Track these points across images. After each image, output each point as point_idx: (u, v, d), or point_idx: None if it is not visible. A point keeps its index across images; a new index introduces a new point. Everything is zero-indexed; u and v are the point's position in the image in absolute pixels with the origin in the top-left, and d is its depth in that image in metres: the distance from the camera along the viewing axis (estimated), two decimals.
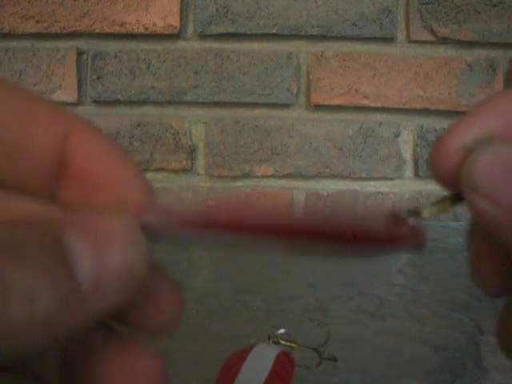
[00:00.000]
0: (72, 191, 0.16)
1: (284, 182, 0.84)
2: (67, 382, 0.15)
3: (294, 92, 0.82)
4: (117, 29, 0.81)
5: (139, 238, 0.14)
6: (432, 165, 0.17)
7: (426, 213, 0.17)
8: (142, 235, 0.14)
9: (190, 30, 0.82)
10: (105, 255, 0.13)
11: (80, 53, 0.82)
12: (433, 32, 0.81)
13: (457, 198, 0.17)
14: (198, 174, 0.83)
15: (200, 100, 0.82)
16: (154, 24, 0.81)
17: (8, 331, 0.11)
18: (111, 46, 0.82)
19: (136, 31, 0.81)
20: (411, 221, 0.17)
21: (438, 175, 0.17)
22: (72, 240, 0.12)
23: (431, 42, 0.82)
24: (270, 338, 0.34)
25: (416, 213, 0.17)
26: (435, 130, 0.83)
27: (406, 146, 0.84)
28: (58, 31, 0.80)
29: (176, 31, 0.81)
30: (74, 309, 0.12)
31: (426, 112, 0.83)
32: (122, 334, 0.16)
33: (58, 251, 0.12)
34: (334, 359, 0.34)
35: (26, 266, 0.11)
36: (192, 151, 0.83)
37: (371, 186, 0.84)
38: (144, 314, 0.16)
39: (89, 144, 0.16)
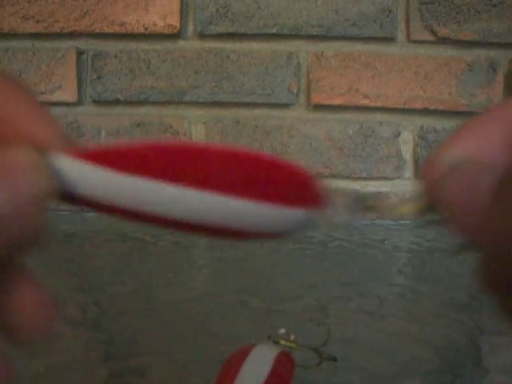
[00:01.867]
0: None
1: None
2: None
3: (294, 92, 0.82)
4: (117, 29, 0.81)
5: (42, 168, 0.15)
6: (422, 174, 0.18)
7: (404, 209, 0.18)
8: (44, 165, 0.15)
9: (190, 29, 0.82)
10: (5, 184, 0.14)
11: (80, 53, 0.82)
12: (433, 32, 0.81)
13: (432, 208, 0.18)
14: None
15: (200, 100, 0.82)
16: (154, 24, 0.81)
17: None
18: (111, 46, 0.82)
19: (136, 31, 0.81)
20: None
21: (423, 184, 0.18)
22: None
23: (431, 42, 0.82)
24: (269, 337, 0.34)
25: (370, 206, 0.18)
26: (435, 130, 0.83)
27: (406, 146, 0.84)
28: (58, 31, 0.80)
29: (176, 31, 0.81)
30: None
31: (426, 112, 0.83)
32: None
33: None
34: (334, 359, 0.34)
35: None
36: None
37: (371, 186, 0.84)
38: (6, 317, 0.16)
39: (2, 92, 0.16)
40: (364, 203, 0.19)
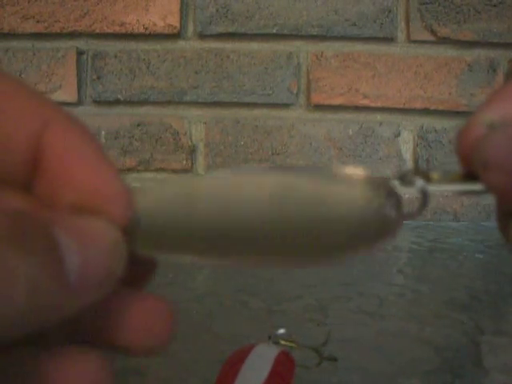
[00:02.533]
0: (46, 185, 0.16)
1: None
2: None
3: (294, 92, 0.82)
4: (117, 29, 0.81)
5: (118, 240, 0.15)
6: (457, 139, 0.18)
7: (436, 176, 0.18)
8: (120, 238, 0.15)
9: (190, 29, 0.82)
10: (89, 251, 0.14)
11: (80, 53, 0.82)
12: (433, 32, 0.81)
13: (469, 175, 0.18)
14: (198, 174, 0.83)
15: (200, 100, 0.82)
16: (154, 24, 0.81)
17: (12, 312, 0.11)
18: (111, 46, 0.82)
19: (136, 31, 0.81)
20: (418, 182, 0.18)
21: (458, 150, 0.18)
22: (61, 236, 0.13)
23: (431, 42, 0.82)
24: (270, 337, 0.34)
25: (425, 174, 0.18)
26: (435, 130, 0.83)
27: (406, 146, 0.84)
28: (58, 31, 0.80)
29: (176, 31, 0.81)
30: (63, 297, 0.13)
31: (425, 112, 0.83)
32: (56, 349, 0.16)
33: (51, 243, 0.13)
34: (334, 359, 0.34)
35: (26, 254, 0.12)
36: (192, 151, 0.83)
37: None
38: (127, 333, 0.16)
39: (66, 138, 0.15)
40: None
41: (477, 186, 0.17)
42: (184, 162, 0.83)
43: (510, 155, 0.16)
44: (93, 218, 0.15)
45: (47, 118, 0.15)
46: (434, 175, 0.18)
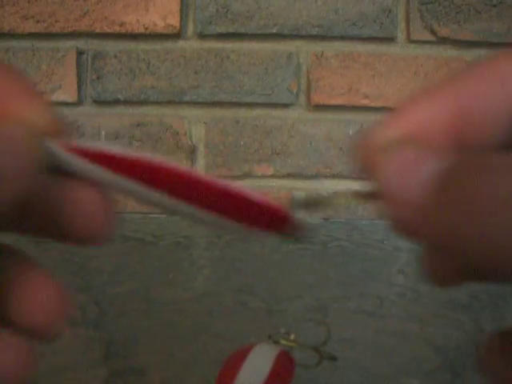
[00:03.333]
0: None
1: (284, 182, 0.84)
2: None
3: (294, 92, 0.82)
4: (117, 29, 0.81)
5: (32, 141, 0.15)
6: (356, 158, 0.16)
7: (335, 201, 0.17)
8: (35, 140, 0.15)
9: (190, 30, 0.82)
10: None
11: (80, 53, 0.82)
12: (433, 32, 0.81)
13: (371, 195, 0.16)
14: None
15: (200, 100, 0.82)
16: (154, 24, 0.81)
17: None
18: (111, 46, 0.82)
19: (136, 31, 0.81)
20: (297, 211, 0.18)
21: (360, 168, 0.16)
22: None
23: (431, 42, 0.82)
24: (270, 337, 0.34)
25: (314, 202, 0.18)
26: None
27: None
28: (58, 31, 0.80)
29: (176, 31, 0.81)
30: None
31: None
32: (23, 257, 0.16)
33: None
34: (334, 359, 0.34)
35: None
36: (192, 151, 0.83)
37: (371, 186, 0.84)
38: (64, 217, 0.16)
39: None
40: (307, 203, 0.18)
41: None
42: (184, 162, 0.83)
43: (408, 186, 0.13)
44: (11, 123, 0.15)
45: None
46: (334, 200, 0.18)
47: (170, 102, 0.83)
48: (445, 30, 0.81)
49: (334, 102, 0.82)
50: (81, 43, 0.82)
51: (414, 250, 0.69)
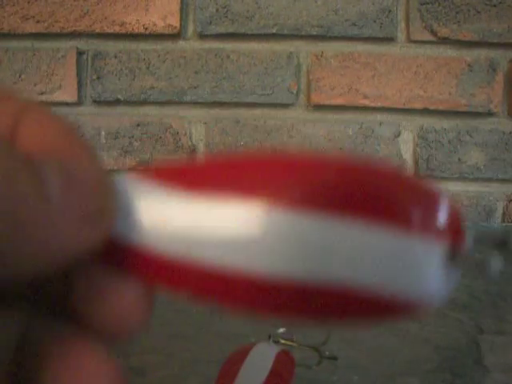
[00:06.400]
0: None
1: None
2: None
3: (294, 92, 0.82)
4: (117, 29, 0.81)
5: (111, 184, 0.14)
6: None
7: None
8: (113, 183, 0.14)
9: (190, 30, 0.82)
10: (75, 188, 0.12)
11: (80, 53, 0.82)
12: (433, 32, 0.81)
13: None
14: None
15: (200, 100, 0.82)
16: (154, 24, 0.81)
17: None
18: (111, 46, 0.82)
19: (136, 31, 0.81)
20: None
21: None
22: (47, 169, 0.12)
23: (431, 42, 0.82)
24: (270, 337, 0.34)
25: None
26: (435, 130, 0.83)
27: (406, 146, 0.84)
28: (58, 31, 0.80)
29: (176, 31, 0.81)
30: (42, 212, 0.12)
31: (426, 112, 0.83)
32: (74, 333, 0.15)
33: (31, 165, 0.12)
34: (335, 358, 0.34)
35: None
36: (192, 151, 0.83)
37: None
38: (99, 310, 0.15)
39: (40, 131, 0.15)
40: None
41: None
42: None
43: None
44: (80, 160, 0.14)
45: (18, 111, 0.15)
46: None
47: (169, 102, 0.83)
48: (445, 29, 0.81)
49: (333, 102, 0.82)
50: (81, 43, 0.82)
51: None
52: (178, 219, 0.13)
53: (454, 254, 0.13)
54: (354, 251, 0.12)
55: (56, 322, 0.15)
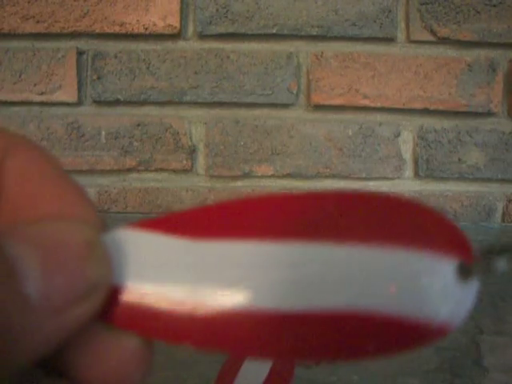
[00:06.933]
0: (8, 215, 0.14)
1: (284, 182, 0.84)
2: None
3: (294, 92, 0.82)
4: (117, 29, 0.81)
5: (93, 240, 0.12)
6: None
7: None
8: (96, 238, 0.13)
9: (190, 30, 0.82)
10: (54, 260, 0.11)
11: (80, 53, 0.82)
12: (433, 32, 0.81)
13: None
14: (198, 175, 0.83)
15: (200, 100, 0.82)
16: (154, 24, 0.81)
17: None
18: (111, 46, 0.82)
19: (136, 31, 0.81)
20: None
21: None
22: (19, 252, 0.11)
23: (431, 42, 0.82)
24: None
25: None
26: (435, 130, 0.83)
27: (406, 146, 0.84)
28: (58, 31, 0.80)
29: (176, 31, 0.81)
30: (26, 323, 0.10)
31: (425, 112, 0.83)
32: None
33: (2, 264, 0.10)
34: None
35: None
36: (192, 151, 0.83)
37: (371, 186, 0.84)
38: (94, 368, 0.14)
39: (27, 165, 0.14)
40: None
41: None
42: (184, 162, 0.83)
43: None
44: (57, 222, 0.12)
45: (6, 146, 0.14)
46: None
47: (170, 102, 0.83)
48: (445, 29, 0.81)
49: (333, 102, 0.82)
50: (81, 43, 0.82)
51: None
52: (173, 267, 0.13)
53: (465, 272, 0.13)
54: (357, 276, 0.12)
55: (49, 378, 0.14)
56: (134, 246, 0.13)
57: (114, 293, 0.13)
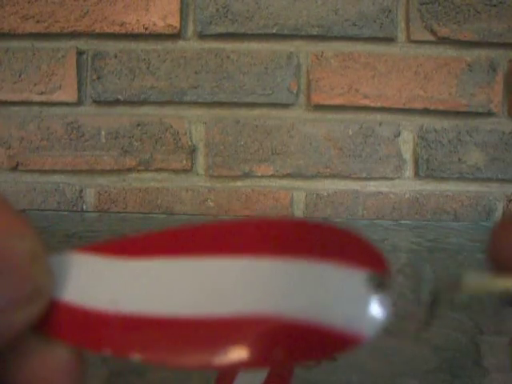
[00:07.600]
0: None
1: (284, 182, 0.84)
2: None
3: (294, 92, 0.82)
4: (117, 29, 0.81)
5: (43, 258, 0.13)
6: (492, 239, 0.15)
7: (465, 287, 0.14)
8: (46, 256, 0.13)
9: (190, 30, 0.82)
10: (1, 272, 0.12)
11: (80, 53, 0.82)
12: (433, 32, 0.81)
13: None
14: (198, 174, 0.84)
15: (200, 100, 0.82)
16: (154, 24, 0.81)
17: None
18: (111, 46, 0.82)
19: (136, 31, 0.81)
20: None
21: (496, 259, 0.15)
22: None
23: (431, 42, 0.82)
24: None
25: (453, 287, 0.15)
26: (435, 130, 0.83)
27: (406, 146, 0.84)
28: (58, 31, 0.80)
29: (176, 31, 0.81)
30: None
31: (426, 112, 0.83)
32: None
33: None
34: (334, 359, 0.34)
35: None
36: (192, 151, 0.83)
37: (371, 186, 0.84)
38: (25, 377, 0.14)
39: None
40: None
41: None
42: (184, 162, 0.83)
43: None
44: (2, 234, 0.13)
45: None
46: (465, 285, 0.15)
47: (169, 102, 0.83)
48: (445, 29, 0.81)
49: (333, 102, 0.82)
50: (81, 43, 0.82)
51: (413, 250, 0.69)
52: (100, 283, 0.15)
53: (377, 283, 0.14)
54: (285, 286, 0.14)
55: None
56: (72, 267, 0.15)
57: (51, 306, 0.14)
